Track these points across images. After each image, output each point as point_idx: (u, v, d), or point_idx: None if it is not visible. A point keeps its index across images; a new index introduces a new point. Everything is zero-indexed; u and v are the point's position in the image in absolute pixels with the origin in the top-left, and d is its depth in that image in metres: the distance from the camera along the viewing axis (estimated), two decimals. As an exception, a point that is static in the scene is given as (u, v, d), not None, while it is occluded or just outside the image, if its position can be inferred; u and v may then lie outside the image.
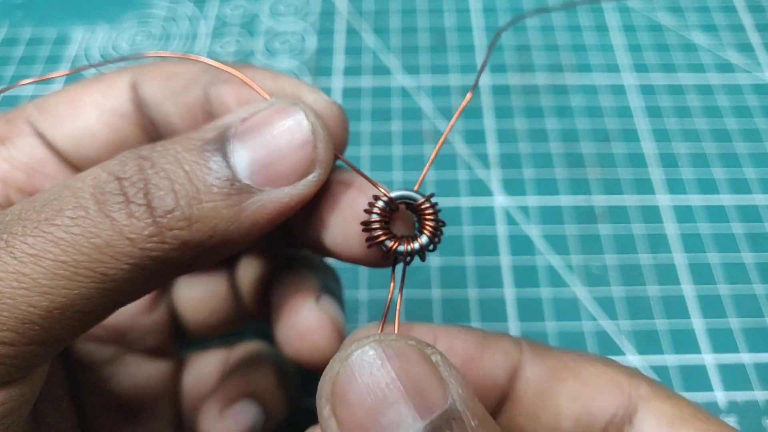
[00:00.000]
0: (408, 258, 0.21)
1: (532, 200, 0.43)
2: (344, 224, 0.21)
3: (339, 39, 0.53)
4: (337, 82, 0.50)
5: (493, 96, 0.48)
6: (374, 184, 0.21)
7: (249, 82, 0.21)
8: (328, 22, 0.54)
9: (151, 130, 0.24)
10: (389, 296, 0.21)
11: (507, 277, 0.40)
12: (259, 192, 0.18)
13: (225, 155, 0.18)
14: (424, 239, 0.21)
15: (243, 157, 0.18)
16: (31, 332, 0.16)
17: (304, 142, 0.19)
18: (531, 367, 0.21)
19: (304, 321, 0.24)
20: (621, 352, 0.37)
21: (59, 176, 0.23)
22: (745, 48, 0.51)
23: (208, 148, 0.18)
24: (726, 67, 0.50)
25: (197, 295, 0.29)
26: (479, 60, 0.51)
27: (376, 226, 0.20)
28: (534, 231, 0.42)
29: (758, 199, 0.43)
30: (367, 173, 0.21)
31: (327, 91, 0.49)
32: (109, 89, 0.23)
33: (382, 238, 0.20)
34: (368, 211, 0.21)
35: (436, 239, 0.21)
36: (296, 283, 0.25)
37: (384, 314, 0.21)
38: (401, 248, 0.20)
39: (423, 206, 0.21)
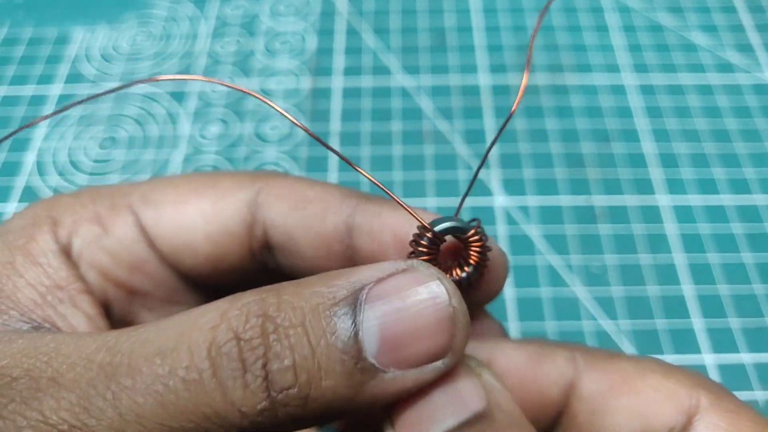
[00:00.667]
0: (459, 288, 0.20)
1: (532, 200, 0.43)
2: None
3: (339, 39, 0.53)
4: (337, 82, 0.50)
5: (493, 96, 0.48)
6: (419, 219, 0.20)
7: (413, 213, 0.20)
8: (328, 22, 0.54)
9: (260, 251, 0.22)
10: None
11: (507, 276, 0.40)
12: (382, 373, 0.16)
13: (355, 326, 0.16)
14: (471, 270, 0.20)
15: (374, 331, 0.16)
16: None
17: (443, 328, 0.17)
18: (588, 384, 0.20)
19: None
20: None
21: (158, 277, 0.22)
22: (745, 48, 0.51)
23: (338, 313, 0.16)
24: (726, 67, 0.50)
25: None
26: (479, 60, 0.51)
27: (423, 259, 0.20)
28: (534, 231, 0.42)
29: (758, 199, 0.43)
30: (367, 173, 0.21)
31: (327, 91, 0.49)
32: (222, 201, 0.21)
33: None
34: (414, 246, 0.20)
35: (484, 268, 0.21)
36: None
37: None
38: (452, 279, 0.20)
39: (469, 237, 0.20)
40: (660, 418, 0.19)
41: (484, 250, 0.20)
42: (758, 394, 0.35)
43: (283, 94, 0.49)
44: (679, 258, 0.40)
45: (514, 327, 0.38)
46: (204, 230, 0.21)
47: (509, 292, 0.39)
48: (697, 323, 0.38)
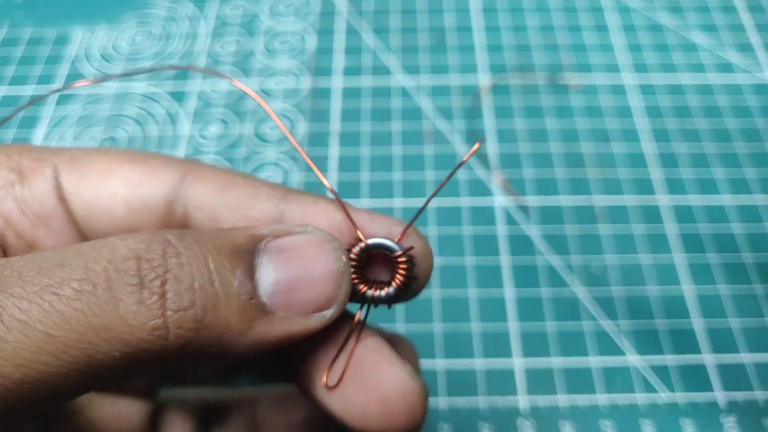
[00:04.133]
0: (375, 304, 0.21)
1: (532, 200, 0.43)
2: (366, 400, 0.20)
3: (339, 39, 0.53)
4: (337, 82, 0.50)
5: (493, 96, 0.48)
6: (355, 227, 0.21)
7: (345, 208, 0.21)
8: (328, 22, 0.54)
9: (179, 227, 0.23)
10: (350, 331, 0.21)
11: (507, 277, 0.40)
12: (272, 314, 0.18)
13: (252, 267, 0.18)
14: (390, 290, 0.21)
15: (269, 275, 0.18)
16: None
17: (331, 279, 0.19)
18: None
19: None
20: (621, 352, 0.37)
21: (62, 236, 0.22)
22: (745, 48, 0.51)
23: (237, 253, 0.18)
24: (726, 67, 0.50)
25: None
26: (479, 60, 0.51)
27: (353, 271, 0.20)
28: (534, 231, 0.42)
29: (758, 199, 0.43)
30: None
31: (327, 91, 0.49)
32: (150, 175, 0.22)
33: (355, 280, 0.21)
34: (348, 249, 0.21)
35: (404, 292, 0.21)
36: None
37: (337, 352, 0.21)
38: (368, 293, 0.21)
39: (398, 258, 0.21)
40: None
41: (408, 277, 0.21)
42: (758, 394, 0.35)
43: (283, 94, 0.49)
44: (679, 258, 0.40)
45: (514, 327, 0.38)
46: (124, 197, 0.22)
47: (509, 292, 0.39)
48: (697, 323, 0.38)
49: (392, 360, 0.20)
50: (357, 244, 0.21)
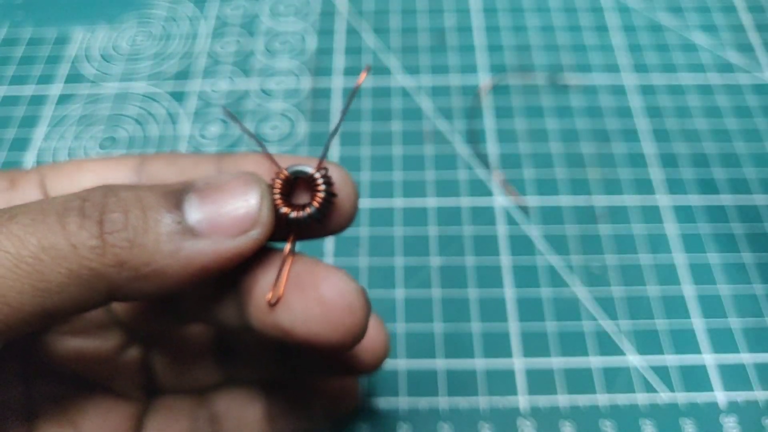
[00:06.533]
0: (298, 226, 0.23)
1: (532, 200, 0.43)
2: (307, 307, 0.22)
3: (339, 39, 0.53)
4: (337, 82, 0.50)
5: (493, 96, 0.48)
6: (275, 162, 0.24)
7: (270, 156, 0.24)
8: (328, 22, 0.54)
9: None
10: (284, 255, 0.23)
11: (507, 277, 0.40)
12: (200, 237, 0.20)
13: (180, 201, 0.21)
14: (312, 210, 0.23)
15: (193, 206, 0.21)
16: None
17: (251, 204, 0.21)
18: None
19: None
20: (621, 352, 0.37)
21: None
22: (745, 48, 0.51)
23: (168, 194, 0.21)
24: (726, 67, 0.50)
25: (172, 342, 0.29)
26: (479, 60, 0.51)
27: (276, 197, 0.23)
28: (534, 231, 0.42)
29: (758, 199, 0.43)
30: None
31: (327, 91, 0.49)
32: (113, 163, 0.26)
33: (278, 204, 0.23)
34: (271, 183, 0.23)
35: (325, 209, 0.23)
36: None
37: (277, 274, 0.23)
38: (292, 215, 0.23)
39: (314, 178, 0.23)
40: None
41: (327, 195, 0.23)
42: (758, 394, 0.35)
43: (283, 94, 0.49)
44: (679, 258, 0.40)
45: (514, 327, 0.38)
46: (93, 182, 0.25)
47: (509, 292, 0.39)
48: (697, 323, 0.38)
49: (327, 268, 0.22)
50: (279, 176, 0.23)
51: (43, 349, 0.26)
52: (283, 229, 0.23)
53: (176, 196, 0.21)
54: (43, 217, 0.19)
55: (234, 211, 0.21)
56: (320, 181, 0.23)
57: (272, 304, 0.22)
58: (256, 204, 0.21)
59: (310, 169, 0.23)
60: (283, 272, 0.22)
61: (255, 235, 0.21)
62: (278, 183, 0.23)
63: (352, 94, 0.25)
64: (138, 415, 0.28)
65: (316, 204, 0.23)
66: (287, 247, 0.23)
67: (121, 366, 0.28)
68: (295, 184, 0.24)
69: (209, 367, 0.30)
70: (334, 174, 0.24)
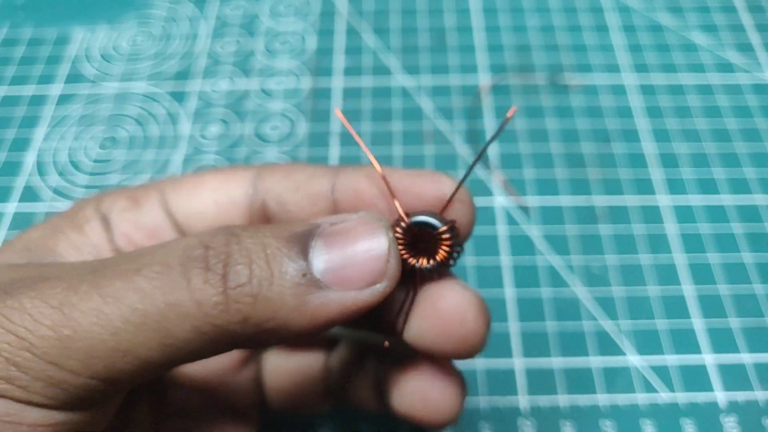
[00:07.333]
0: (422, 274, 0.23)
1: (533, 200, 0.43)
2: (424, 319, 0.23)
3: (339, 39, 0.53)
4: (337, 82, 0.50)
5: (493, 96, 0.48)
6: (399, 209, 0.23)
7: (397, 205, 0.23)
8: (328, 22, 0.54)
9: (261, 220, 0.26)
10: (405, 300, 0.23)
11: (507, 277, 0.40)
12: (326, 289, 0.19)
13: (306, 249, 0.20)
14: (434, 264, 0.23)
15: (321, 256, 0.20)
16: (94, 366, 0.18)
17: (379, 256, 0.20)
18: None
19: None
20: (621, 352, 0.37)
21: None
22: (745, 48, 0.51)
23: (293, 239, 0.20)
24: (726, 67, 0.50)
25: (286, 368, 0.29)
26: (479, 60, 0.51)
27: (400, 246, 0.22)
28: (534, 231, 0.42)
29: (758, 199, 0.43)
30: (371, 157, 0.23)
31: (327, 91, 0.49)
32: (229, 178, 0.26)
33: (404, 255, 0.22)
34: (393, 228, 0.22)
35: (448, 264, 0.23)
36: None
37: (398, 312, 0.23)
38: (417, 266, 0.23)
39: (443, 236, 0.23)
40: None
41: (452, 250, 0.23)
42: (758, 394, 0.35)
43: (283, 94, 0.49)
44: (679, 258, 0.40)
45: (514, 327, 0.38)
46: (213, 198, 0.25)
47: (509, 292, 0.39)
48: (697, 323, 0.38)
49: (448, 284, 0.23)
50: (401, 222, 0.23)
51: (170, 373, 0.27)
52: (405, 275, 0.22)
53: (302, 241, 0.20)
54: (168, 269, 0.19)
55: (362, 263, 0.20)
56: (446, 236, 0.23)
57: (387, 348, 0.23)
58: (384, 256, 0.20)
59: (436, 223, 0.23)
60: (403, 315, 0.23)
61: (381, 288, 0.20)
62: (399, 231, 0.23)
63: (501, 126, 0.24)
64: None
65: (439, 258, 0.23)
66: (409, 291, 0.23)
67: (239, 384, 0.29)
68: (417, 233, 0.23)
69: (320, 392, 0.30)
70: (460, 217, 0.23)
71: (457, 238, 0.23)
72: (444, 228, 0.22)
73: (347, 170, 0.24)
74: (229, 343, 0.19)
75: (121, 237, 0.25)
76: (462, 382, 0.26)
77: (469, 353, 0.23)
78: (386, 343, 0.25)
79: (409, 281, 0.23)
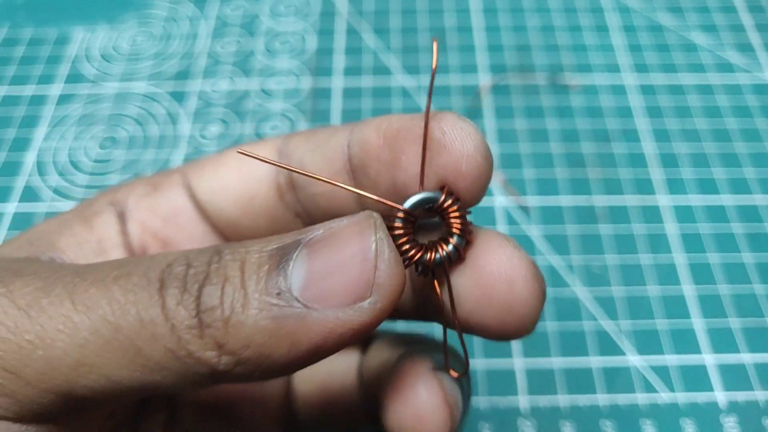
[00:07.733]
0: (448, 263, 0.19)
1: (533, 200, 0.43)
2: (467, 288, 0.20)
3: (339, 39, 0.53)
4: (337, 82, 0.50)
5: (493, 96, 0.48)
6: (382, 201, 0.19)
7: (380, 200, 0.19)
8: (328, 22, 0.54)
9: (287, 191, 0.23)
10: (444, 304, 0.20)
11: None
12: (304, 309, 0.16)
13: (286, 262, 0.16)
14: (456, 239, 0.19)
15: (301, 268, 0.16)
16: (54, 379, 0.16)
17: (363, 262, 0.16)
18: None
19: (419, 397, 0.21)
20: (621, 352, 0.37)
21: (191, 226, 0.24)
22: (745, 48, 0.51)
23: (275, 253, 0.17)
24: (726, 67, 0.50)
25: (317, 378, 0.27)
26: (479, 60, 0.51)
27: (402, 242, 0.18)
28: (534, 231, 0.42)
29: (758, 199, 0.43)
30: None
31: (327, 91, 0.49)
32: (254, 151, 0.23)
33: (416, 254, 0.18)
34: (390, 227, 0.18)
35: (469, 234, 0.19)
36: (414, 360, 0.22)
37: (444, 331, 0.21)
38: (437, 256, 0.18)
39: (445, 205, 0.19)
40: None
41: (463, 214, 0.19)
42: (758, 394, 0.35)
43: (283, 94, 0.49)
44: (679, 258, 0.40)
45: (514, 327, 0.38)
46: (237, 175, 0.23)
47: (509, 292, 0.39)
48: (697, 323, 0.38)
49: (492, 242, 0.19)
50: (395, 217, 0.18)
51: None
52: (427, 278, 0.19)
53: (282, 254, 0.17)
54: (147, 283, 0.17)
55: (345, 274, 0.16)
56: (448, 203, 0.19)
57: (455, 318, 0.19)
58: (370, 261, 0.16)
59: (433, 195, 0.19)
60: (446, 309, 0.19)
61: (368, 306, 0.16)
62: (399, 225, 0.18)
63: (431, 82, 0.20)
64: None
65: (457, 231, 0.19)
66: (441, 295, 0.19)
67: (264, 396, 0.26)
68: (417, 215, 0.19)
69: (354, 404, 0.26)
70: (461, 166, 0.19)
71: (463, 202, 0.19)
72: (443, 198, 0.18)
73: (360, 124, 0.21)
74: (210, 374, 0.17)
75: (136, 225, 0.23)
76: (456, 401, 0.23)
77: (519, 326, 0.19)
78: (455, 374, 0.21)
79: (441, 274, 0.19)
